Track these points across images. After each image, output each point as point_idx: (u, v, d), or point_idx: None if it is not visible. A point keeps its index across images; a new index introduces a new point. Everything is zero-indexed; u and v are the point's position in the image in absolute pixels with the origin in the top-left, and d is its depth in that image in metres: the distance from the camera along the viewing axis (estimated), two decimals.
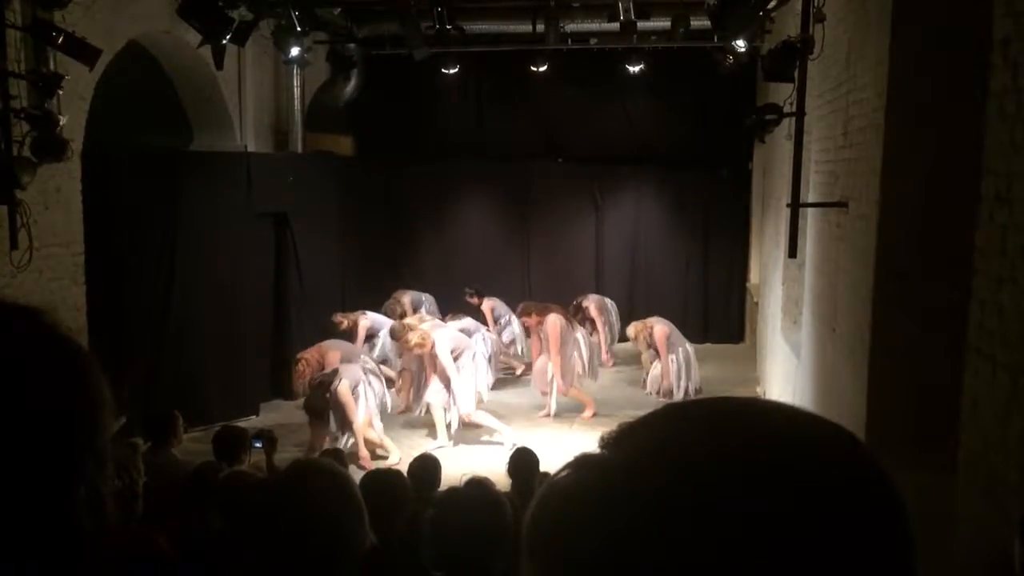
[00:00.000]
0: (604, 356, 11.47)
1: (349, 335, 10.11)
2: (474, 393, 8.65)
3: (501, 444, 8.41)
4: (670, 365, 10.06)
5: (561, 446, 8.17)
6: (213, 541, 3.76)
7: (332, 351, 8.54)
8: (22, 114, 6.31)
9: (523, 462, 5.54)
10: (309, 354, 8.52)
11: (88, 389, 0.79)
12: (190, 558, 3.69)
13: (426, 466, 5.30)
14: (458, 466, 6.95)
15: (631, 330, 10.43)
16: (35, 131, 6.37)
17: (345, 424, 7.97)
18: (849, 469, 0.59)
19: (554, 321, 9.37)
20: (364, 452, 7.98)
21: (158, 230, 8.82)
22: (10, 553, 0.72)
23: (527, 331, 10.65)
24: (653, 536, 0.55)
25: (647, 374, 10.41)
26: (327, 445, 7.78)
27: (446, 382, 8.43)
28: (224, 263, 9.32)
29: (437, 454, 5.98)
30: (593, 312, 11.57)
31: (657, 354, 10.22)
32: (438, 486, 5.07)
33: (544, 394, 9.57)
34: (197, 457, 5.70)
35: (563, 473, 0.62)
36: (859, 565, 0.55)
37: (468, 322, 10.05)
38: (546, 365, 9.46)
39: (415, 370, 9.11)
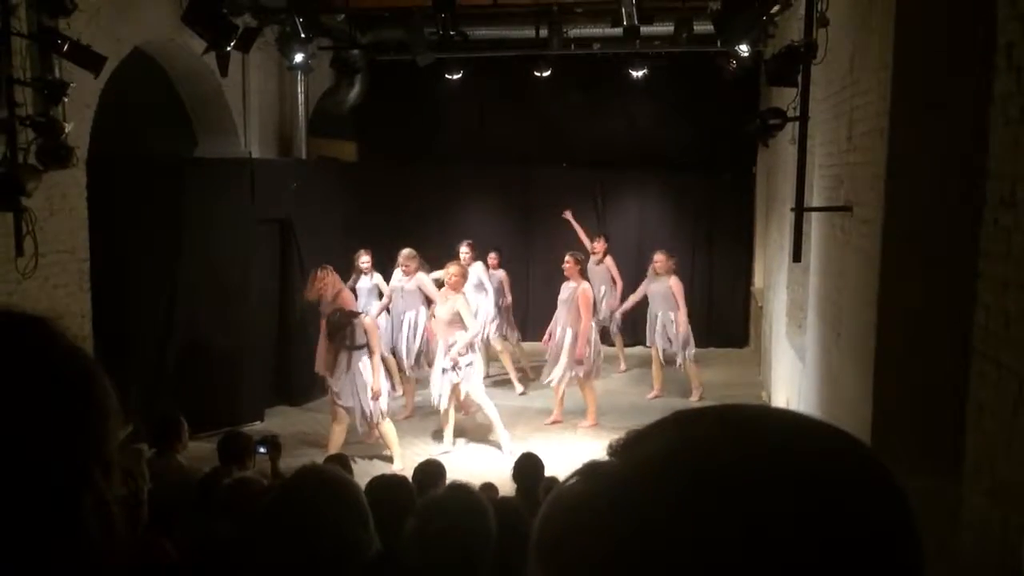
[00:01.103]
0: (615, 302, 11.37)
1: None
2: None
3: (500, 449, 8.41)
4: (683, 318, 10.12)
5: (566, 451, 8.17)
6: (218, 547, 3.76)
7: (348, 291, 8.53)
8: (28, 121, 6.33)
9: (528, 467, 5.54)
10: (334, 274, 8.43)
11: (94, 397, 0.79)
12: (196, 564, 3.69)
13: (430, 471, 5.30)
14: (463, 471, 6.94)
15: (659, 255, 10.32)
16: (40, 138, 6.39)
17: (370, 350, 7.91)
18: (859, 476, 0.59)
19: (588, 288, 9.33)
20: (377, 387, 7.88)
21: (163, 236, 8.84)
22: (17, 561, 0.72)
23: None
24: (662, 544, 0.55)
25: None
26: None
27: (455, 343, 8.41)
28: (228, 269, 9.33)
29: (442, 459, 5.97)
30: (609, 262, 11.49)
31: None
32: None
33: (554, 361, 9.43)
34: (202, 463, 5.72)
35: (571, 481, 0.62)
36: (869, 571, 0.56)
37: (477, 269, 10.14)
38: (563, 335, 9.28)
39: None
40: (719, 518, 0.54)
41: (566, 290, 9.39)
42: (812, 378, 7.03)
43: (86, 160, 7.37)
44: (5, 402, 0.73)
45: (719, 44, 10.12)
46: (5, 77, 6.21)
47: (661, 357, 10.32)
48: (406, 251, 9.86)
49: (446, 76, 11.81)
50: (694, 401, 9.96)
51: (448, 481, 5.30)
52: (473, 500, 2.82)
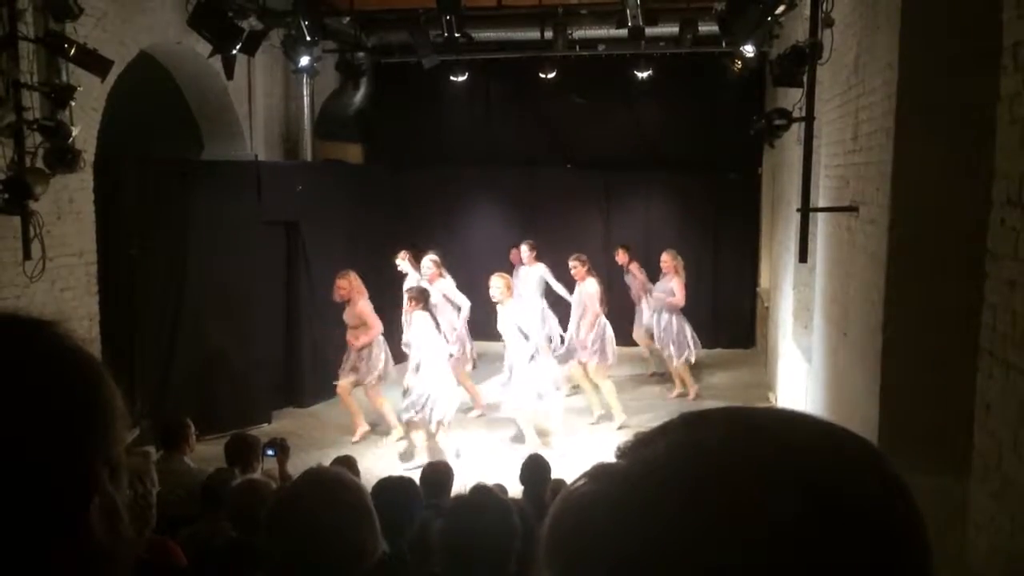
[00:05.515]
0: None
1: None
2: None
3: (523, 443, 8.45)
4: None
5: (573, 453, 8.16)
6: (226, 550, 3.77)
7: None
8: (35, 125, 6.35)
9: (535, 469, 5.54)
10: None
11: (101, 399, 0.79)
12: (204, 567, 3.70)
13: (438, 473, 5.30)
14: (469, 473, 6.94)
15: (667, 255, 10.43)
16: (48, 142, 6.41)
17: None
18: (866, 477, 0.59)
19: (594, 284, 9.39)
20: None
21: (170, 239, 8.86)
22: (25, 564, 0.72)
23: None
24: (670, 545, 0.55)
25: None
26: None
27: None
28: (235, 272, 9.34)
29: (450, 461, 5.97)
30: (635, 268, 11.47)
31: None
32: (450, 493, 5.07)
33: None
34: (209, 465, 5.72)
35: (580, 482, 0.62)
36: (877, 572, 0.56)
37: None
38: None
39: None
40: (725, 519, 0.54)
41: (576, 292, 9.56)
42: (819, 378, 7.02)
43: (93, 163, 7.39)
44: (12, 404, 0.73)
45: (724, 45, 10.12)
46: (12, 81, 6.24)
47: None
48: (432, 256, 9.93)
49: (451, 78, 11.82)
50: (690, 401, 10.06)
51: (454, 483, 5.32)
52: (497, 500, 2.85)
